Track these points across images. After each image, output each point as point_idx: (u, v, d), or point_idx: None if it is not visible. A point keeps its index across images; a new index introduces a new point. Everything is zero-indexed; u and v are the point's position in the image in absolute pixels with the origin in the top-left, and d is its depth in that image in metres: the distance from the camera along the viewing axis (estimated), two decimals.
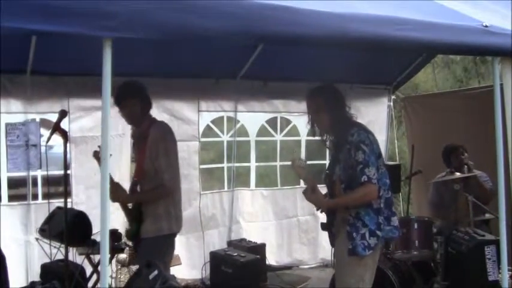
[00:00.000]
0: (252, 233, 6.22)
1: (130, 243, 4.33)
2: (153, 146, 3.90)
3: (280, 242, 6.53)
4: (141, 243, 3.99)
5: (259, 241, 5.83)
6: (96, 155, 4.13)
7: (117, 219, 5.41)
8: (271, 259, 6.34)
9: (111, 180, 3.69)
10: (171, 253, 4.11)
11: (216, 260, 5.08)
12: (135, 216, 4.00)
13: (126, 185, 5.64)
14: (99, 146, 3.94)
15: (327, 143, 3.66)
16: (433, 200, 5.58)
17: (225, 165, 6.35)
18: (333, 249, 3.65)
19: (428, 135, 6.63)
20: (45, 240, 4.48)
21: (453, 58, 11.83)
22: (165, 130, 4.03)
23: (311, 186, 3.40)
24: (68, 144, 3.94)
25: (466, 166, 5.13)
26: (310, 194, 3.41)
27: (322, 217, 3.74)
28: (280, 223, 6.52)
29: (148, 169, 3.94)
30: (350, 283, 3.41)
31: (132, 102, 3.94)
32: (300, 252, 6.47)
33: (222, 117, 6.30)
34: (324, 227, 3.67)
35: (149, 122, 4.04)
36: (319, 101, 3.49)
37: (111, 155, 2.52)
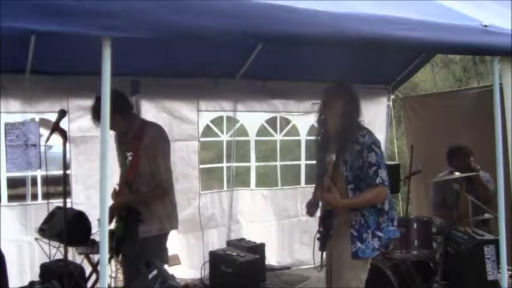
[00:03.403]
0: (252, 233, 6.21)
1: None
2: (152, 147, 3.96)
3: (281, 242, 6.52)
4: (142, 242, 3.99)
5: (260, 241, 5.83)
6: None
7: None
8: (272, 259, 6.33)
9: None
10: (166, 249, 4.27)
11: (216, 259, 5.08)
12: (127, 216, 4.00)
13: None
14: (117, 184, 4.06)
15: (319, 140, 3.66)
16: (435, 199, 5.57)
17: (224, 165, 6.35)
18: (322, 251, 3.62)
19: (427, 135, 6.64)
20: (45, 240, 4.48)
21: (452, 58, 11.81)
22: (162, 132, 4.11)
23: (327, 185, 3.42)
24: (67, 144, 3.94)
25: (472, 170, 5.12)
26: (326, 193, 3.42)
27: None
28: (281, 223, 6.51)
29: (144, 169, 3.97)
30: (351, 286, 3.40)
31: (111, 116, 3.98)
32: (300, 252, 6.45)
33: (221, 117, 6.29)
34: (322, 223, 3.58)
35: (139, 122, 4.11)
36: (337, 97, 3.48)
37: None
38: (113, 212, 3.98)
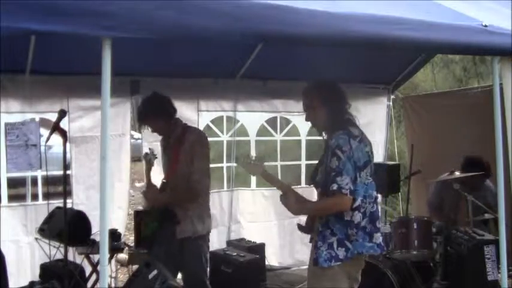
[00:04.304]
0: (253, 233, 6.21)
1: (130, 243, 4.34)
2: (190, 150, 4.08)
3: (282, 242, 6.51)
4: (178, 243, 4.11)
5: (260, 241, 5.82)
6: (146, 158, 4.24)
7: (117, 219, 5.44)
8: (274, 260, 6.33)
9: (149, 182, 4.07)
10: (208, 251, 4.33)
11: (216, 259, 5.08)
12: (161, 217, 4.11)
13: (125, 185, 5.69)
14: (150, 148, 4.21)
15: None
16: (432, 202, 5.56)
17: (224, 164, 6.36)
18: None
19: (427, 135, 6.63)
20: (45, 240, 4.48)
21: (452, 58, 11.82)
22: (201, 136, 4.25)
23: (284, 188, 3.38)
24: (67, 144, 3.94)
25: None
26: (281, 196, 3.34)
27: None
28: (282, 223, 6.50)
29: (182, 172, 4.07)
30: None
31: (155, 119, 4.12)
32: (301, 253, 6.44)
33: (221, 117, 6.29)
34: (300, 228, 3.57)
35: (182, 127, 4.23)
36: (314, 97, 3.28)
37: None
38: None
